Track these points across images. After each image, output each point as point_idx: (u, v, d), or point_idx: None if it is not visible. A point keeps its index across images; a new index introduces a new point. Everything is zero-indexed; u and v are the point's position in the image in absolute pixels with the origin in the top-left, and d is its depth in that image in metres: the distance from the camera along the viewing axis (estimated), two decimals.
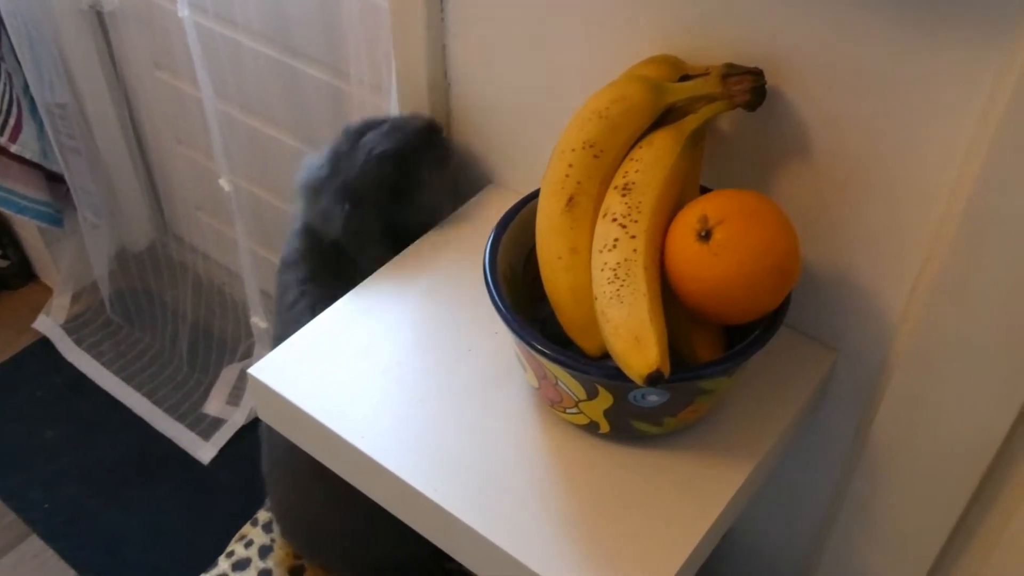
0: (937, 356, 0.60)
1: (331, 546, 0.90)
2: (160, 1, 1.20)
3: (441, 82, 0.79)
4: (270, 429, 0.80)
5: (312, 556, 0.91)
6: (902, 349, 0.62)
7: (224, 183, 1.14)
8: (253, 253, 1.22)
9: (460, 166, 0.83)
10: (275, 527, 0.93)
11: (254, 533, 0.92)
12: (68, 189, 1.42)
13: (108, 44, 1.38)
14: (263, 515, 0.94)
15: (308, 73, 1.07)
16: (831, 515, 0.77)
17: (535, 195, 0.62)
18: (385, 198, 0.76)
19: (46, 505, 1.31)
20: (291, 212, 0.84)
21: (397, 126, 0.77)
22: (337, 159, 0.77)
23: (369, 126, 0.78)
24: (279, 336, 0.80)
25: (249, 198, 1.25)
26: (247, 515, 0.95)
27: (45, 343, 1.53)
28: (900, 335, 0.63)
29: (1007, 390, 0.58)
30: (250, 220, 1.20)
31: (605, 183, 0.58)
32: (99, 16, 1.34)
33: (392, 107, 0.86)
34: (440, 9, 0.75)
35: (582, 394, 0.58)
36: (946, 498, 0.67)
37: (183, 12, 1.03)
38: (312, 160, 0.79)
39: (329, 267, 0.80)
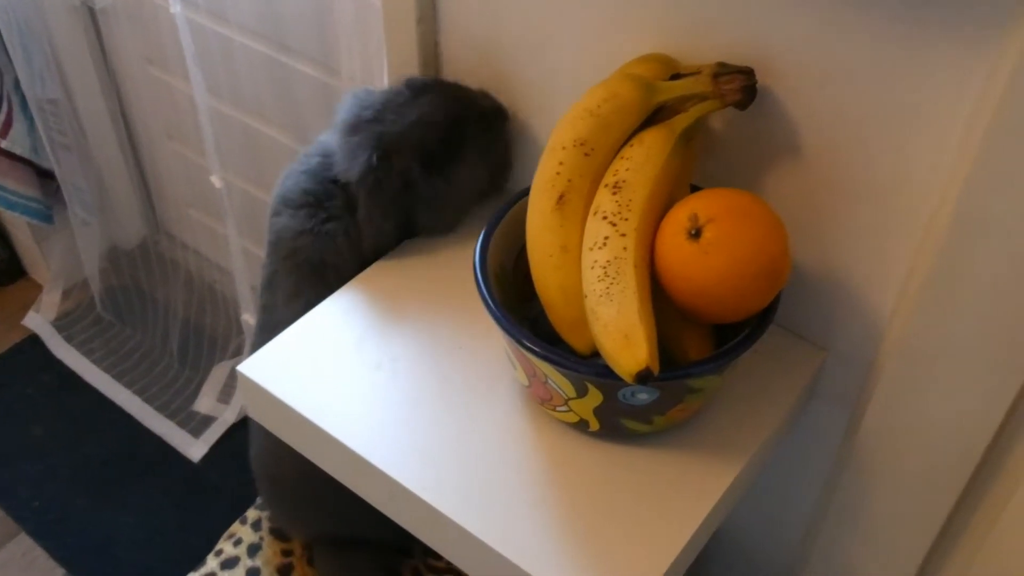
0: (925, 356, 0.60)
1: (308, 515, 0.89)
2: None
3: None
4: None
5: (292, 526, 0.91)
6: (891, 349, 0.62)
7: (216, 180, 1.14)
8: (245, 250, 1.22)
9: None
10: (264, 524, 0.92)
11: (243, 531, 0.92)
12: (59, 186, 1.41)
13: (100, 40, 1.38)
14: (252, 513, 0.93)
15: (300, 70, 1.07)
16: (819, 514, 0.77)
17: (525, 193, 0.62)
18: (418, 163, 0.71)
19: (35, 503, 1.31)
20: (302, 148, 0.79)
21: (460, 96, 0.73)
22: (386, 107, 0.72)
23: (430, 86, 0.73)
24: (264, 313, 0.79)
25: (241, 195, 1.25)
26: (237, 513, 0.95)
27: (35, 340, 1.52)
28: (889, 335, 0.63)
29: (995, 390, 0.59)
30: (242, 217, 1.20)
31: (596, 181, 0.58)
32: (91, 12, 1.34)
33: None
34: (432, 6, 0.75)
35: (572, 392, 0.58)
36: (934, 498, 0.67)
37: (175, 8, 1.02)
38: (361, 97, 0.73)
39: (331, 215, 0.75)
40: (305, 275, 0.75)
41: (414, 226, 0.75)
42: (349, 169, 0.71)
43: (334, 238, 0.73)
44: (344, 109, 0.73)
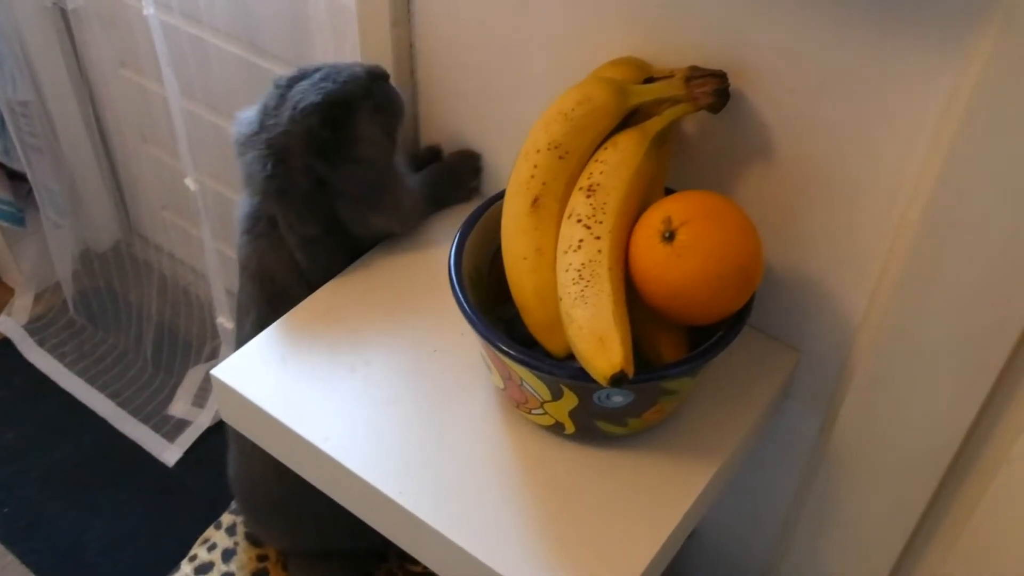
0: (897, 357, 0.61)
1: (284, 533, 0.88)
2: None
3: (408, 81, 0.79)
4: None
5: (263, 531, 0.91)
6: (863, 350, 0.63)
7: (190, 182, 1.13)
8: (219, 253, 1.21)
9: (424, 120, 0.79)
10: (238, 529, 0.92)
11: (218, 536, 0.91)
12: (30, 188, 1.40)
13: (72, 41, 1.36)
14: (227, 518, 0.93)
15: (275, 72, 1.06)
16: (795, 514, 0.77)
17: (500, 196, 0.62)
18: (313, 156, 0.69)
19: (5, 509, 1.29)
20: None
21: (329, 75, 0.70)
22: (265, 113, 0.70)
23: (301, 76, 0.71)
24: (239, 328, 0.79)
25: (215, 197, 1.24)
26: (212, 518, 0.94)
27: (6, 344, 1.50)
28: (861, 336, 0.64)
29: (966, 390, 0.59)
30: (216, 219, 1.19)
31: (570, 184, 0.58)
32: (63, 13, 1.32)
33: None
34: (407, 9, 0.75)
35: (547, 395, 0.58)
36: (907, 498, 0.68)
37: (148, 10, 1.01)
38: (243, 115, 0.72)
39: (261, 234, 0.74)
40: (256, 291, 0.75)
41: (348, 227, 0.73)
42: (252, 188, 0.71)
43: (269, 254, 0.73)
44: (232, 134, 0.72)
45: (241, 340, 0.75)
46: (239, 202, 0.76)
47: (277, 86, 0.71)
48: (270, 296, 0.74)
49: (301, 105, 0.68)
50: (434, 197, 0.78)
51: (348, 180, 0.70)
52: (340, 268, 0.74)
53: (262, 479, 0.83)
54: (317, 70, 0.71)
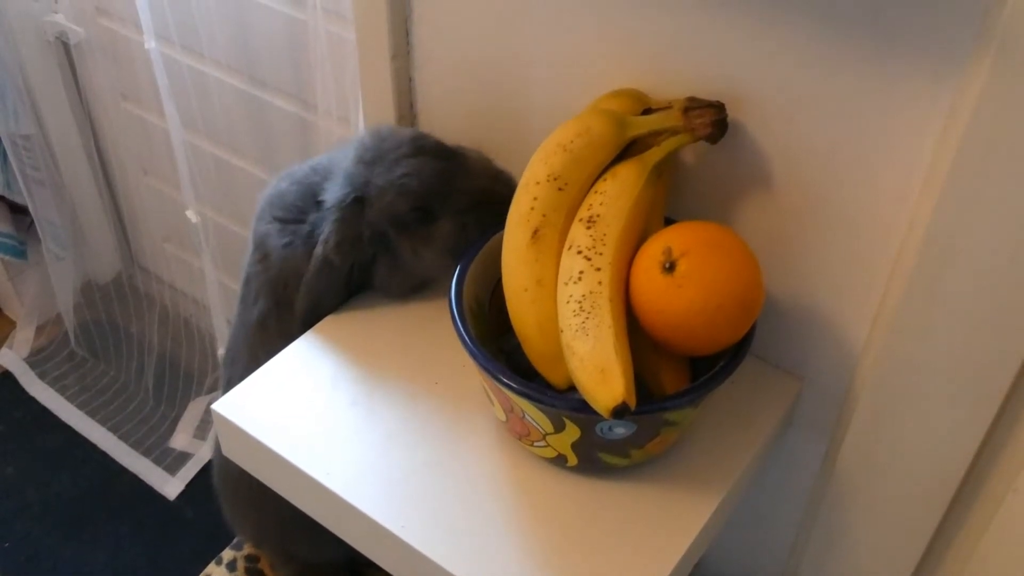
0: (901, 384, 0.61)
1: (261, 525, 0.88)
2: (127, 32, 1.20)
3: (408, 114, 0.80)
4: None
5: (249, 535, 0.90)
6: (866, 377, 0.63)
7: (191, 214, 1.14)
8: (221, 284, 1.21)
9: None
10: (239, 564, 0.91)
11: (218, 572, 0.90)
12: (32, 221, 1.40)
13: (74, 75, 1.37)
14: (228, 554, 0.92)
15: (275, 105, 1.07)
16: (801, 543, 0.77)
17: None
18: (388, 223, 0.68)
19: (6, 543, 1.28)
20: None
21: (450, 169, 0.68)
22: (383, 154, 0.68)
23: (430, 150, 0.68)
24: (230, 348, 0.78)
25: (216, 229, 1.25)
26: (213, 552, 0.94)
27: (7, 377, 1.50)
28: (864, 363, 0.63)
29: (970, 417, 0.59)
30: (217, 251, 1.19)
31: (570, 215, 0.58)
32: (65, 47, 1.34)
33: None
34: (407, 42, 0.75)
35: (549, 427, 0.57)
36: (915, 524, 0.67)
37: (150, 44, 1.02)
38: (381, 132, 0.70)
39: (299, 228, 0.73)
40: (265, 285, 0.74)
41: (369, 280, 0.72)
42: (331, 194, 0.69)
43: (294, 251, 0.71)
44: (366, 138, 0.70)
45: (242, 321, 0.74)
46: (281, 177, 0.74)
47: (414, 143, 0.69)
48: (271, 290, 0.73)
49: (406, 182, 0.67)
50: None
51: (400, 255, 0.70)
52: (328, 304, 0.73)
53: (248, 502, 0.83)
54: (453, 153, 0.69)
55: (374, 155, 0.69)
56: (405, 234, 0.69)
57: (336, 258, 0.70)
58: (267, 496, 0.72)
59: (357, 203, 0.68)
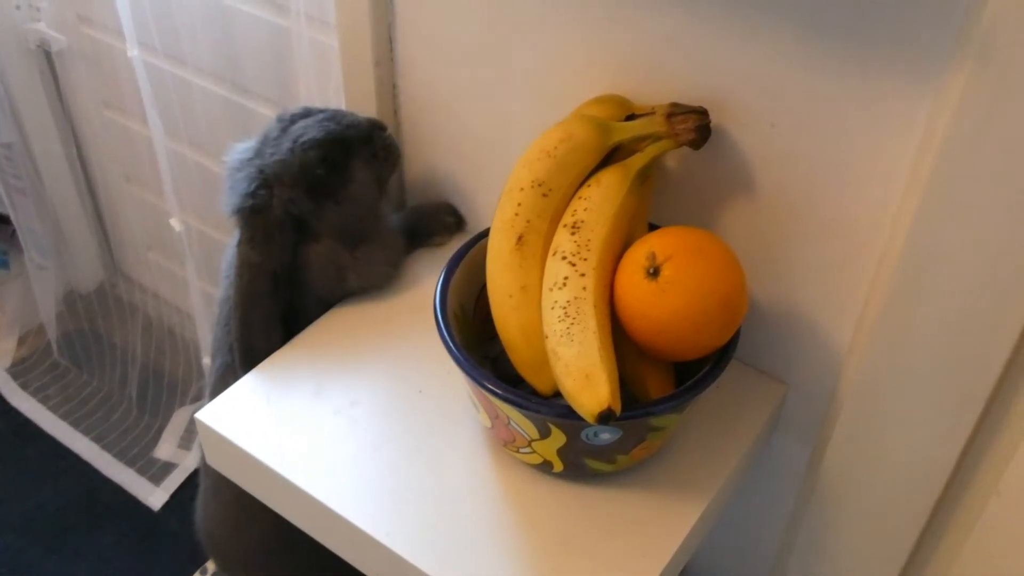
0: (884, 387, 0.61)
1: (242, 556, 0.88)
2: (109, 40, 1.19)
3: (392, 121, 0.79)
4: None
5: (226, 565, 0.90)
6: (850, 381, 0.63)
7: (175, 223, 1.13)
8: (205, 293, 1.21)
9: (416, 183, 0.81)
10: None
11: None
12: (14, 230, 1.39)
13: (56, 83, 1.36)
14: (212, 565, 0.91)
15: (259, 112, 1.07)
16: (786, 546, 0.77)
17: (485, 234, 0.62)
18: (301, 191, 0.70)
19: None
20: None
21: (334, 117, 0.71)
22: (264, 143, 0.71)
23: (305, 114, 0.72)
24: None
25: (200, 237, 1.24)
26: (197, 563, 0.93)
27: None
28: (848, 367, 0.64)
29: (954, 420, 0.59)
30: (201, 260, 1.19)
31: (554, 221, 0.59)
32: (47, 55, 1.33)
33: None
34: (390, 48, 0.75)
35: (535, 433, 0.57)
36: (899, 528, 0.67)
37: (132, 51, 1.02)
38: (239, 145, 0.73)
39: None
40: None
41: (303, 282, 0.73)
42: (229, 202, 0.71)
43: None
44: (226, 162, 0.73)
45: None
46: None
47: (280, 120, 0.72)
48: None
49: (303, 139, 0.69)
50: (408, 242, 0.79)
51: (328, 219, 0.71)
52: (261, 320, 0.72)
53: (227, 525, 0.82)
54: (322, 111, 0.72)
55: (251, 152, 0.71)
56: (322, 194, 0.70)
57: (254, 254, 0.70)
58: (253, 524, 0.72)
59: (263, 189, 0.69)
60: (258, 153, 0.71)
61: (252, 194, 0.69)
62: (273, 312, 0.72)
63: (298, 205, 0.70)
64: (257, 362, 0.70)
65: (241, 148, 0.72)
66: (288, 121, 0.72)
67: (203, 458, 0.85)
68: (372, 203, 0.74)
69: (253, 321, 0.71)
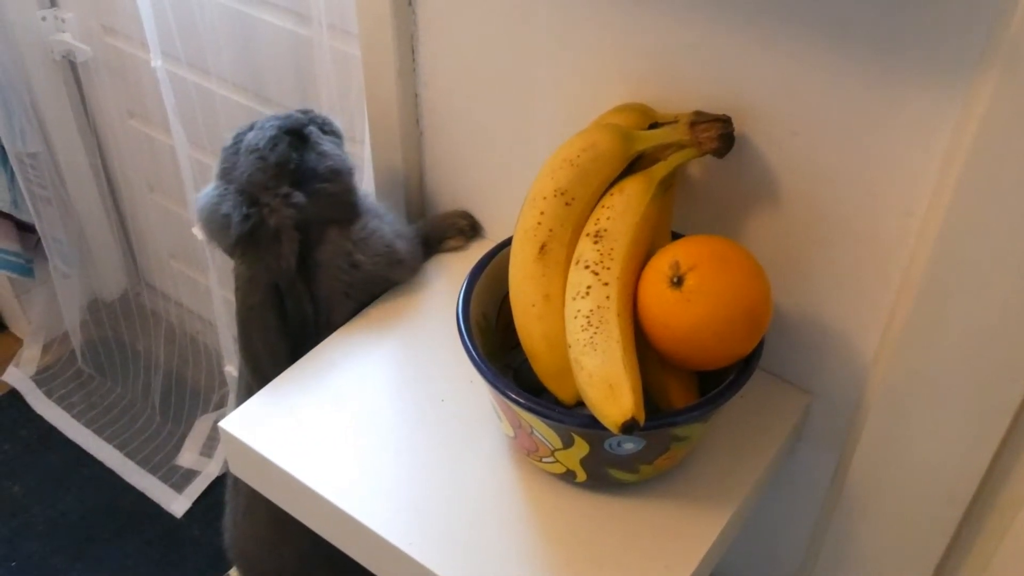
0: (911, 397, 0.60)
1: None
2: (133, 51, 1.20)
3: (414, 130, 0.80)
4: None
5: None
6: (876, 391, 0.62)
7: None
8: (227, 301, 1.21)
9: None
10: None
11: None
12: (39, 239, 1.40)
13: (81, 93, 1.38)
14: (235, 572, 0.92)
15: None
16: (811, 558, 0.76)
17: (508, 243, 0.62)
18: (288, 183, 0.71)
19: (12, 563, 1.28)
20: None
21: (268, 119, 0.74)
22: (225, 175, 0.73)
23: (243, 133, 0.74)
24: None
25: None
26: (220, 569, 0.93)
27: (14, 395, 1.50)
28: (873, 377, 0.63)
29: (982, 430, 0.59)
30: (223, 268, 1.19)
31: (577, 230, 0.58)
32: (72, 66, 1.34)
33: (366, 154, 0.86)
34: (412, 58, 0.75)
35: (558, 443, 0.57)
36: (926, 540, 0.66)
37: (156, 62, 1.03)
38: (200, 193, 0.74)
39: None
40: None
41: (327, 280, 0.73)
42: (224, 241, 0.72)
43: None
44: (197, 216, 0.74)
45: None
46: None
47: (225, 149, 0.74)
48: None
49: (262, 142, 0.71)
50: (425, 251, 0.79)
51: (323, 203, 0.72)
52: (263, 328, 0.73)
53: (261, 544, 0.83)
54: (252, 126, 0.74)
55: (232, 162, 0.72)
56: (309, 177, 0.72)
57: (243, 267, 0.71)
58: (289, 543, 0.72)
59: (252, 207, 0.70)
60: (226, 184, 0.72)
61: (245, 216, 0.70)
62: (271, 323, 0.72)
63: (293, 201, 0.71)
64: (263, 371, 0.71)
65: (204, 194, 0.73)
66: (234, 145, 0.73)
67: (231, 478, 0.86)
68: (350, 172, 0.75)
69: (252, 332, 0.72)
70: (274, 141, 0.71)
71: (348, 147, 0.95)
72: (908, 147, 0.54)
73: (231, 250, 0.72)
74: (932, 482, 0.63)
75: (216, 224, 0.72)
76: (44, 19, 1.27)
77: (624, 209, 0.57)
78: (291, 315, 0.73)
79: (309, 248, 0.72)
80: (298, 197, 0.71)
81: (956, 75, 0.50)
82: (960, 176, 0.51)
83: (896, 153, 0.54)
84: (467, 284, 0.63)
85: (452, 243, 0.80)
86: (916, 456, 0.63)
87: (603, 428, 0.52)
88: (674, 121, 0.60)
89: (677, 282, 0.54)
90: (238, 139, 0.73)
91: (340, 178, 0.73)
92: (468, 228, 0.80)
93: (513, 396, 0.55)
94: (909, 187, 0.55)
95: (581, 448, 0.57)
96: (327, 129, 0.76)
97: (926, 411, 0.60)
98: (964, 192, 0.51)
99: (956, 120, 0.51)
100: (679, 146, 0.59)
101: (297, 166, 0.71)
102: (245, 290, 0.71)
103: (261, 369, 0.72)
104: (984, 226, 0.51)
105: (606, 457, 0.57)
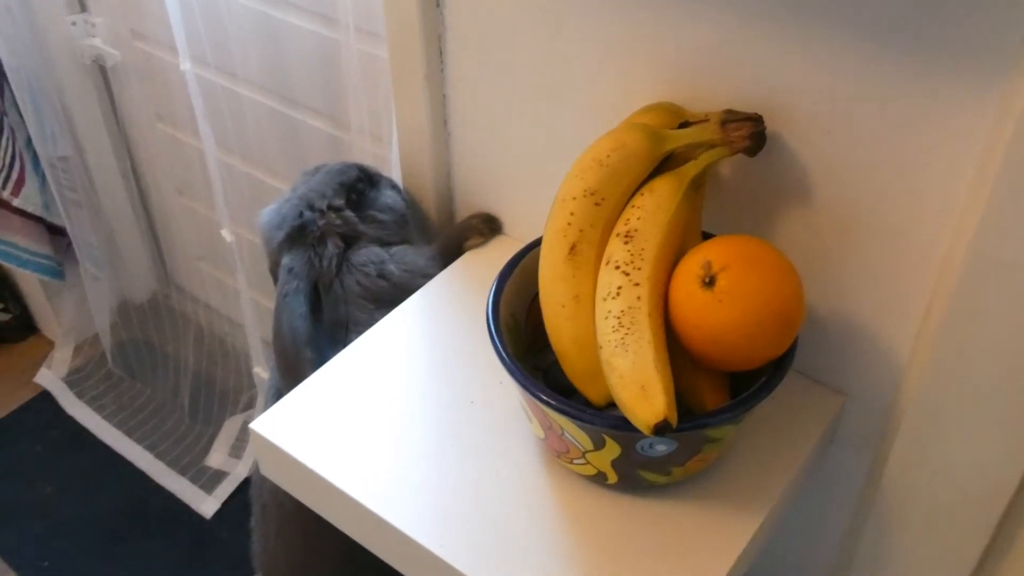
0: (946, 399, 0.60)
1: None
2: (162, 55, 1.21)
3: (441, 131, 0.80)
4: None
5: None
6: (910, 393, 0.61)
7: (226, 234, 1.15)
8: (255, 303, 1.22)
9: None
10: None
11: None
12: (69, 242, 1.42)
13: (111, 97, 1.39)
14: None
15: (309, 123, 1.08)
16: (844, 562, 0.75)
17: (537, 243, 0.62)
18: (343, 200, 0.79)
19: (44, 563, 1.30)
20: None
21: (353, 163, 0.83)
22: (293, 190, 0.80)
23: (324, 164, 0.82)
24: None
25: (251, 248, 1.25)
26: (248, 570, 0.94)
27: (46, 397, 1.52)
28: (908, 379, 0.62)
29: (1019, 431, 0.58)
30: (252, 270, 1.20)
31: (607, 231, 0.58)
32: (102, 70, 1.36)
33: (393, 156, 0.86)
34: (440, 59, 0.75)
35: (589, 445, 0.57)
36: (962, 544, 0.65)
37: (185, 65, 1.04)
38: (265, 209, 0.80)
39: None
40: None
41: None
42: (277, 242, 0.78)
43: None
44: (260, 226, 0.81)
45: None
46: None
47: (304, 172, 0.83)
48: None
49: (337, 167, 0.80)
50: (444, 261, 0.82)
51: (372, 224, 0.78)
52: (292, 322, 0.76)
53: (294, 566, 0.84)
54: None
55: (304, 180, 0.82)
56: (366, 204, 0.80)
57: (287, 258, 0.76)
58: (322, 563, 0.74)
59: (308, 211, 0.78)
60: (291, 196, 0.79)
61: (299, 215, 0.77)
62: (299, 309, 0.75)
63: (342, 216, 0.77)
64: (287, 357, 0.74)
65: (268, 211, 0.80)
66: (314, 169, 0.82)
67: (258, 504, 0.87)
68: (403, 215, 0.81)
69: (282, 316, 0.75)
70: (348, 170, 0.80)
71: (375, 146, 0.96)
72: (943, 146, 0.53)
73: (280, 246, 0.77)
74: (968, 484, 0.62)
75: (272, 224, 0.78)
76: (74, 24, 1.28)
77: (655, 209, 0.57)
78: (326, 315, 0.75)
79: (345, 252, 0.77)
80: (350, 214, 0.77)
81: (993, 72, 0.49)
82: (996, 176, 0.50)
83: (932, 152, 0.54)
84: (496, 285, 0.62)
85: (472, 243, 0.81)
86: (952, 458, 0.62)
87: (635, 430, 0.52)
88: (705, 120, 0.59)
89: (709, 283, 0.54)
90: (320, 166, 0.82)
91: (393, 213, 0.81)
92: (483, 225, 0.81)
93: (544, 397, 0.55)
94: (945, 186, 0.54)
95: (612, 450, 0.56)
96: (396, 188, 0.84)
97: (962, 412, 0.59)
98: (1000, 189, 0.50)
99: (993, 117, 0.50)
100: (710, 145, 0.58)
101: (359, 196, 0.79)
102: (285, 279, 0.75)
103: (285, 355, 0.74)
104: (1021, 224, 0.50)
105: (638, 459, 0.57)
